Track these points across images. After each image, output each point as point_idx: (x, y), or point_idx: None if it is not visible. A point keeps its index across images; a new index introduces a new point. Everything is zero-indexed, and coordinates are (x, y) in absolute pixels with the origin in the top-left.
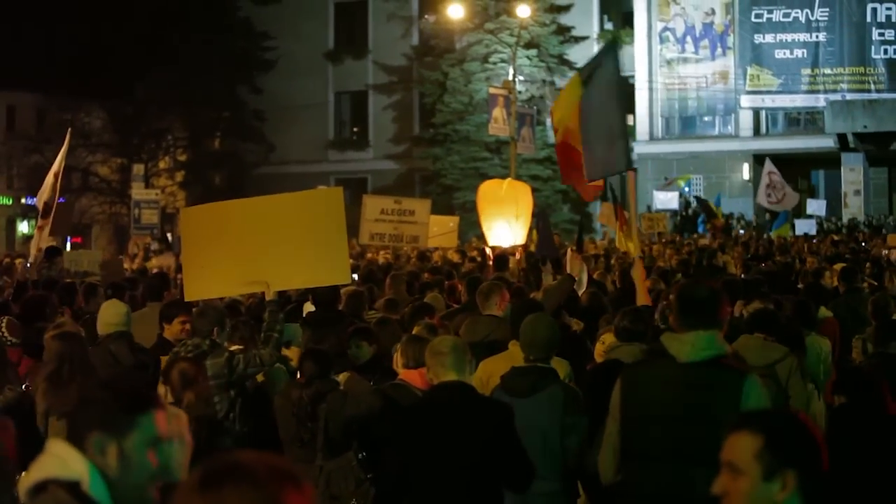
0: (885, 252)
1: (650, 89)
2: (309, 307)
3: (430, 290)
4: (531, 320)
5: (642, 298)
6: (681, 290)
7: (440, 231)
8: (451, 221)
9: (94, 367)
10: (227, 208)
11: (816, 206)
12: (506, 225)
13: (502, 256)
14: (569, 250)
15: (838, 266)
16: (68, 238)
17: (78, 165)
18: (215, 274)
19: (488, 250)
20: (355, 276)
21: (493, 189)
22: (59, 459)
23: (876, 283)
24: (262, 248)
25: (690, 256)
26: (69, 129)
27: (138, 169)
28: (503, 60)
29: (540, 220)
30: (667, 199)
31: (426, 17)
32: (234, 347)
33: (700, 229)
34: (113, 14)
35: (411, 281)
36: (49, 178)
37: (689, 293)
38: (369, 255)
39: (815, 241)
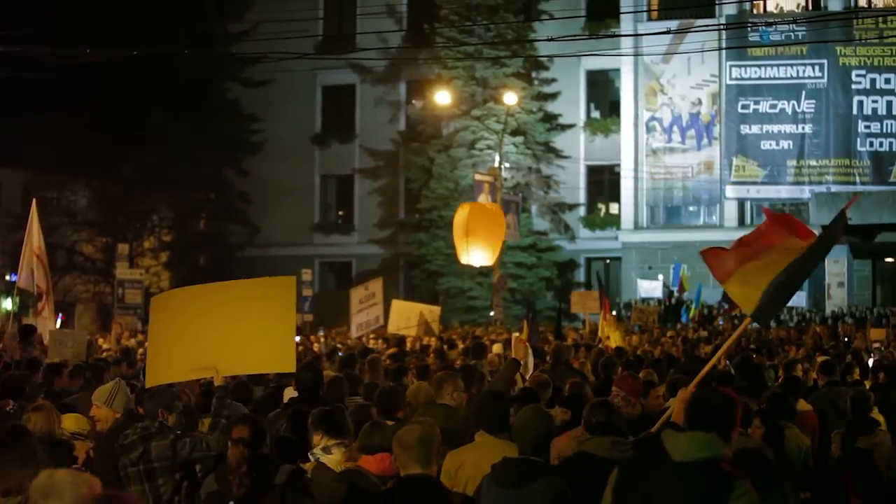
0: (875, 344)
1: (636, 178)
2: (290, 392)
3: (404, 374)
4: (526, 413)
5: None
6: (695, 397)
7: (422, 320)
8: (432, 311)
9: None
10: (190, 294)
11: (795, 298)
12: (480, 248)
13: (480, 344)
14: (514, 336)
15: (820, 359)
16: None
17: (63, 244)
18: (171, 359)
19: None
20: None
21: (471, 212)
22: None
23: (858, 378)
24: (213, 333)
25: (675, 347)
26: (33, 203)
27: (123, 248)
28: (490, 147)
29: (530, 310)
30: (650, 289)
31: (413, 102)
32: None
33: (683, 319)
34: (101, 94)
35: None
36: (33, 259)
37: (703, 400)
38: (350, 341)
39: (796, 331)
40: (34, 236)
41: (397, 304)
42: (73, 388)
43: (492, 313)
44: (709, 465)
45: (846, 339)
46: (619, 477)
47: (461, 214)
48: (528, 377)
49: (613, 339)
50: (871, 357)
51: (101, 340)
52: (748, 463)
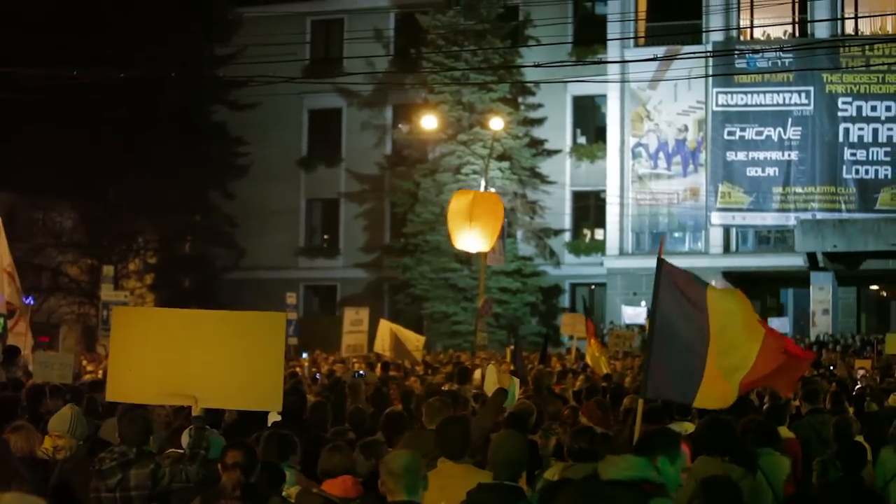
0: (860, 372)
1: (621, 204)
2: (274, 416)
3: (387, 401)
4: (502, 438)
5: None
6: (644, 433)
7: (398, 344)
8: (417, 340)
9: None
10: (165, 315)
11: (779, 324)
12: (471, 233)
13: (464, 369)
14: (489, 365)
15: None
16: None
17: (48, 265)
18: (141, 379)
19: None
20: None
21: (464, 199)
22: None
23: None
24: (195, 362)
25: None
26: None
27: (108, 270)
28: (475, 172)
29: (516, 339)
30: (635, 315)
31: (400, 126)
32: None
33: None
34: (88, 116)
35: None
36: (3, 277)
37: (649, 434)
38: (337, 366)
39: None
40: (3, 253)
41: (385, 325)
42: (56, 409)
43: (476, 341)
44: (630, 484)
45: (830, 367)
46: (560, 496)
47: (462, 200)
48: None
49: (600, 365)
50: (856, 385)
51: (85, 362)
52: (714, 489)
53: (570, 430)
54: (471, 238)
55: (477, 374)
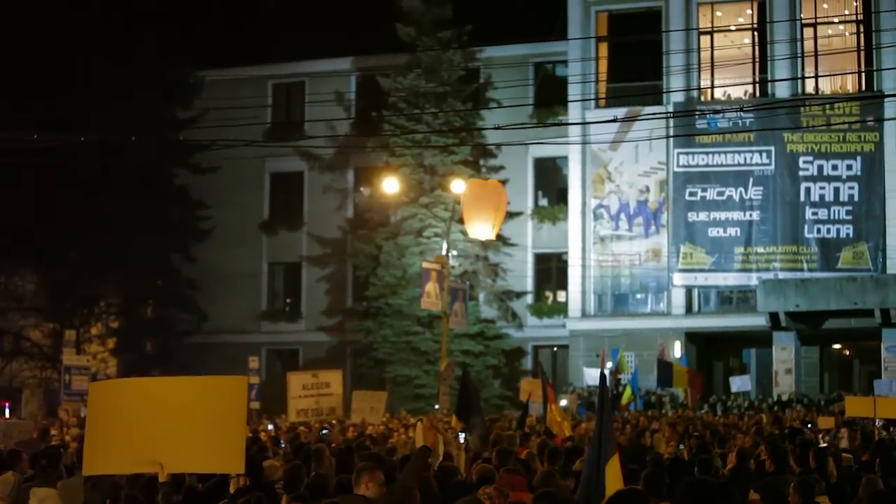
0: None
1: (583, 266)
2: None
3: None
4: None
5: None
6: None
7: (367, 405)
8: (379, 398)
9: None
10: (134, 385)
11: (740, 383)
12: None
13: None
14: (418, 423)
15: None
16: None
17: (10, 329)
18: (113, 449)
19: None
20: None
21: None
22: None
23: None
24: (161, 428)
25: (622, 435)
26: None
27: (70, 334)
28: (437, 235)
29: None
30: (597, 376)
31: (361, 190)
32: None
33: (630, 407)
34: (49, 178)
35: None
36: None
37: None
38: (301, 429)
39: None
40: None
41: (359, 395)
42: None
43: (437, 406)
44: None
45: (790, 427)
46: None
47: (475, 189)
48: (436, 464)
49: (562, 428)
50: (821, 444)
51: (53, 429)
52: None
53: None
54: (481, 226)
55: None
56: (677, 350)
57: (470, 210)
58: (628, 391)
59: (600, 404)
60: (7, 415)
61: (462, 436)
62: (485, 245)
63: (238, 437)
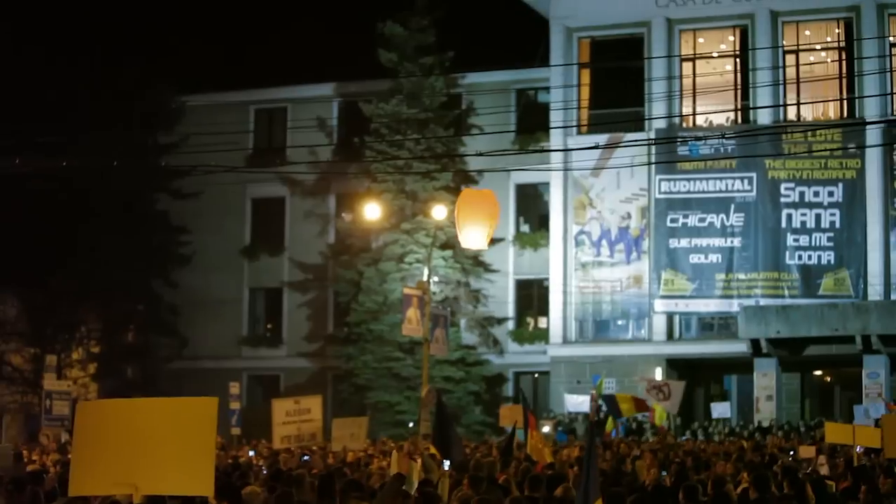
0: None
1: (564, 292)
2: None
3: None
4: None
5: None
6: None
7: (347, 432)
8: (359, 424)
9: None
10: (115, 406)
11: (721, 410)
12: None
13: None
14: (394, 451)
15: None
16: None
17: None
18: (95, 470)
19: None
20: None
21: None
22: None
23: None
24: (135, 450)
25: (605, 462)
26: None
27: (51, 360)
28: (418, 261)
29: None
30: (578, 403)
31: (343, 215)
32: None
33: (612, 433)
34: (30, 203)
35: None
36: None
37: None
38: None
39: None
40: None
41: (339, 422)
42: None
43: (410, 424)
44: None
45: (770, 454)
46: None
47: (467, 198)
48: (412, 490)
49: (542, 454)
50: (803, 471)
51: (34, 454)
52: None
53: None
54: (474, 235)
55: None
56: (658, 376)
57: (463, 219)
58: (611, 419)
59: (588, 450)
60: None
61: (447, 463)
62: (466, 271)
63: (207, 459)
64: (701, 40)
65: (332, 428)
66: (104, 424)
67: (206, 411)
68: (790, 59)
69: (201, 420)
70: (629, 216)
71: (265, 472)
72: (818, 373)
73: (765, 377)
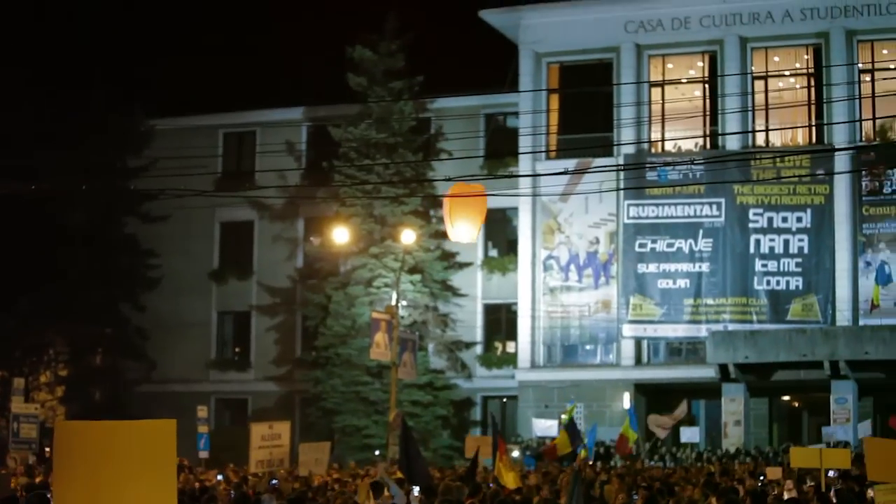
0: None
1: (533, 317)
2: None
3: None
4: None
5: None
6: None
7: (312, 457)
8: (322, 449)
9: None
10: (85, 429)
11: (690, 435)
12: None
13: (376, 483)
14: (359, 481)
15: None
16: None
17: None
18: (69, 494)
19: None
20: None
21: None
22: None
23: None
24: (101, 473)
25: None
26: None
27: (18, 383)
28: (387, 285)
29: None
30: (546, 427)
31: (311, 239)
32: None
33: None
34: None
35: None
36: None
37: None
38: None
39: (694, 469)
40: None
41: (304, 447)
42: None
43: (377, 452)
44: None
45: (736, 480)
46: None
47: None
48: None
49: (510, 479)
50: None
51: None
52: None
53: None
54: (464, 228)
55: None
56: (626, 401)
57: (452, 212)
58: (585, 449)
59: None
60: None
61: (416, 489)
62: (434, 295)
63: (168, 482)
64: (670, 66)
65: (298, 452)
66: (74, 447)
67: (164, 433)
68: (759, 85)
69: (160, 442)
70: (597, 241)
71: (232, 495)
72: (786, 398)
73: (733, 402)
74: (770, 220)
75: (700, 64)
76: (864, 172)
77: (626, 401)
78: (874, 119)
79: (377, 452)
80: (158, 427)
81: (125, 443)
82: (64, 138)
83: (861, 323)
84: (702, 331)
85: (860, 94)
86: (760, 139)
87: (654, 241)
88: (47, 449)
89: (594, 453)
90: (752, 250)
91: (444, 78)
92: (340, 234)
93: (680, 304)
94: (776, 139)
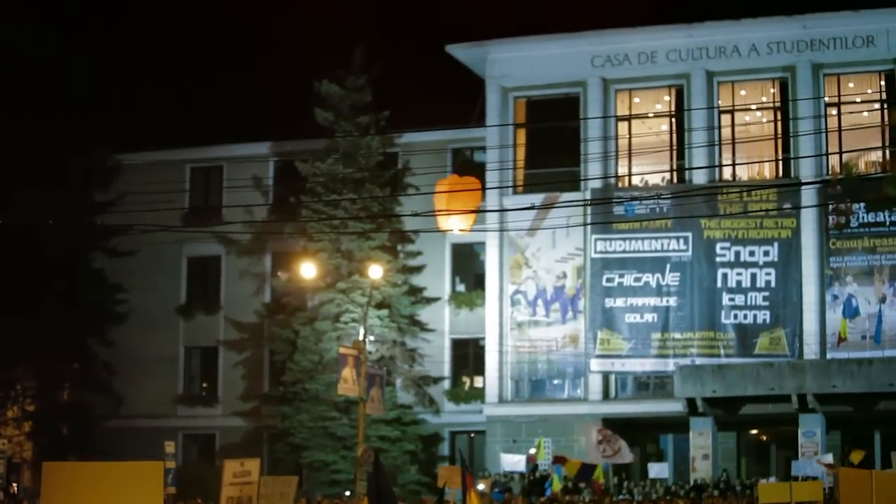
0: None
1: (500, 352)
2: None
3: None
4: None
5: None
6: None
7: (276, 491)
8: (288, 483)
9: None
10: (70, 470)
11: (658, 469)
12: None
13: None
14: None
15: None
16: None
17: None
18: None
19: None
20: None
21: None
22: None
23: None
24: None
25: None
26: None
27: None
28: (354, 320)
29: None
30: (514, 462)
31: (279, 274)
32: None
33: (548, 493)
34: None
35: None
36: None
37: None
38: None
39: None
40: None
41: (267, 480)
42: None
43: (347, 493)
44: None
45: None
46: None
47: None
48: None
49: None
50: None
51: None
52: None
53: None
54: (455, 218)
55: None
56: (594, 436)
57: (444, 203)
58: (555, 480)
59: None
60: None
61: None
62: (402, 330)
63: None
64: (637, 100)
65: (259, 486)
66: (60, 488)
67: (151, 475)
68: (725, 118)
69: (146, 484)
70: (565, 276)
71: None
72: (754, 432)
73: (701, 436)
74: (737, 253)
75: (667, 98)
76: (830, 206)
77: (594, 436)
78: (840, 153)
79: (347, 493)
80: (145, 469)
81: (112, 484)
82: (30, 173)
83: (829, 356)
84: (669, 365)
85: (826, 127)
86: (727, 173)
87: (621, 276)
88: (14, 484)
89: (563, 488)
90: (719, 284)
91: (411, 113)
92: (308, 269)
93: (647, 339)
94: (743, 173)
